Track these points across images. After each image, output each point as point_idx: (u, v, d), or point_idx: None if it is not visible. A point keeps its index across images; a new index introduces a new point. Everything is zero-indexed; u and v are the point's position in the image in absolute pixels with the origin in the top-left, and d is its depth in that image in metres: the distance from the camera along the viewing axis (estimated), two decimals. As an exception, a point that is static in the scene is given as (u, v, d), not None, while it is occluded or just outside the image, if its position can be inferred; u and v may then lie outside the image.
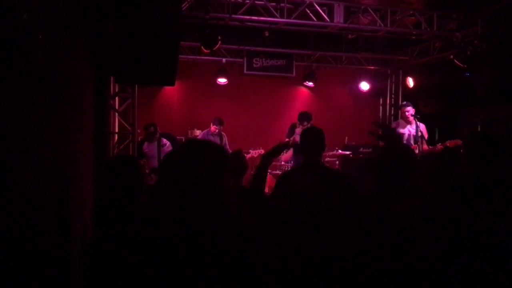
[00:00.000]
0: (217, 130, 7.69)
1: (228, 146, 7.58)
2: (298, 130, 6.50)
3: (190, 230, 1.50)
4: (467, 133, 8.18)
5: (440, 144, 6.23)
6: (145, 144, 6.93)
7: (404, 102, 6.89)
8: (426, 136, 6.27)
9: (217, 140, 7.53)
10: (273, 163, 8.10)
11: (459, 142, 6.12)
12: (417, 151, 6.08)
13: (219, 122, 7.71)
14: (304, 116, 6.75)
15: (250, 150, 7.66)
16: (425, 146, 6.19)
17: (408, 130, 6.40)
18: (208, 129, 7.81)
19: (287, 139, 6.79)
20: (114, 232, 1.89)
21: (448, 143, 6.14)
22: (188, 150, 1.66)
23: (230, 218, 1.57)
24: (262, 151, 7.82)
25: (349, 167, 7.02)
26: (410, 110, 6.36)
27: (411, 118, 6.37)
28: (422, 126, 6.31)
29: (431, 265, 2.23)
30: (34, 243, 1.64)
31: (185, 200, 1.52)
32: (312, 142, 3.32)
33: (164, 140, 6.89)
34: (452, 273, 2.25)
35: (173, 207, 1.53)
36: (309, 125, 6.46)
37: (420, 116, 6.40)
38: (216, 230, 1.51)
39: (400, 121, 6.70)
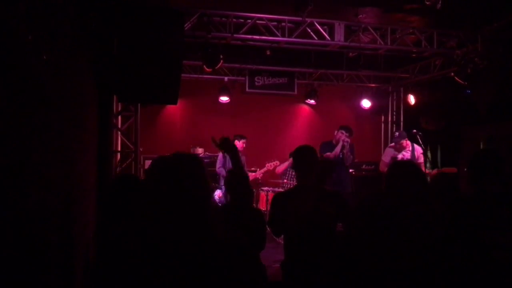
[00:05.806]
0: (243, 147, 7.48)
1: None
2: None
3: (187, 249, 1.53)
4: (470, 150, 8.21)
5: (436, 169, 6.50)
6: None
7: (397, 134, 6.84)
8: (420, 160, 6.27)
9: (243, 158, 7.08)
10: (274, 180, 8.09)
11: (454, 170, 6.27)
12: None
13: (240, 137, 7.54)
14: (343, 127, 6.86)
15: (266, 164, 7.70)
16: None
17: (402, 154, 6.40)
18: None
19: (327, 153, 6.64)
20: (117, 251, 1.88)
21: (443, 170, 6.33)
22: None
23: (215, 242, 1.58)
24: (277, 163, 7.78)
25: (351, 184, 7.00)
26: (404, 142, 6.41)
27: (408, 148, 6.39)
28: (418, 150, 6.31)
29: (437, 279, 2.21)
30: (37, 262, 1.64)
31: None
32: (303, 161, 3.42)
33: None
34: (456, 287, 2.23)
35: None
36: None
37: (422, 133, 6.40)
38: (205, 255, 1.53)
39: (395, 146, 6.68)
